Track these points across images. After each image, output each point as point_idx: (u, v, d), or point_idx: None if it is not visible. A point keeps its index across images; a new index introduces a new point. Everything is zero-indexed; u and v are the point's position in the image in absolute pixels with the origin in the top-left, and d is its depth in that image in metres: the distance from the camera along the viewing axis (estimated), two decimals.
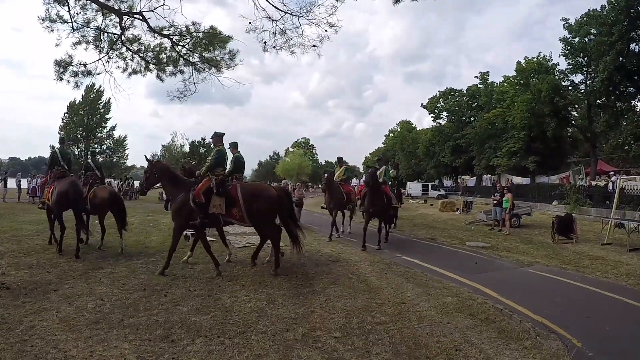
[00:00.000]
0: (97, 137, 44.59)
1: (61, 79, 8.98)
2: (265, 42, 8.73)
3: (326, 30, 8.87)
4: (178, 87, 9.55)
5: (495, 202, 15.16)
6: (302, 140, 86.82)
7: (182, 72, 9.29)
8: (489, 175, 42.27)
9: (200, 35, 8.80)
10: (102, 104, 45.41)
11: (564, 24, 27.12)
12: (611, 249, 10.80)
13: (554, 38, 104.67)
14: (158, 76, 9.39)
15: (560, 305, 5.82)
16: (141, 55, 9.01)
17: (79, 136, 43.70)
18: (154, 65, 9.14)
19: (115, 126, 46.38)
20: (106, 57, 8.81)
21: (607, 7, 23.53)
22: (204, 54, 8.92)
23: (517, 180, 33.44)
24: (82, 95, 44.51)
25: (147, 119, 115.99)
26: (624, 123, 25.00)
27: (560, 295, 6.41)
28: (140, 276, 6.39)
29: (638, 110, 25.93)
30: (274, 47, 8.76)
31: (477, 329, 4.57)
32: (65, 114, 44.72)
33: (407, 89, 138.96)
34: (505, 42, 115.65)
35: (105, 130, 45.78)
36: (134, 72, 9.31)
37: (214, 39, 8.59)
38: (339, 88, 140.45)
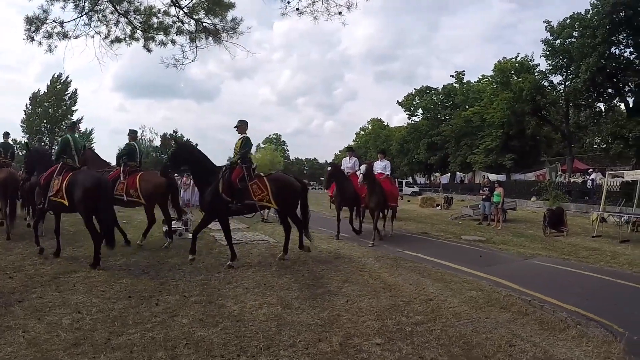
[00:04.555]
0: (62, 130, 42.13)
1: (32, 39, 7.56)
2: (288, 2, 7.72)
3: None
4: (174, 53, 8.47)
5: (483, 197, 15.00)
6: (274, 136, 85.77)
7: (173, 42, 8.14)
8: (461, 174, 43.06)
9: None
10: (69, 95, 43.27)
11: (546, 26, 27.68)
12: (603, 241, 10.88)
13: (524, 42, 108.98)
14: (145, 46, 8.16)
15: (583, 294, 5.71)
16: (129, 17, 7.78)
17: (43, 129, 41.25)
18: (141, 32, 7.92)
19: (81, 119, 44.34)
20: (86, 18, 7.63)
21: (592, 11, 24.18)
22: (202, 21, 7.84)
23: (492, 177, 33.94)
24: (47, 86, 42.43)
25: (114, 114, 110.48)
26: (604, 122, 25.79)
27: (577, 284, 6.36)
28: (121, 280, 5.45)
29: (617, 110, 26.83)
30: (297, 9, 7.70)
31: (518, 322, 4.32)
32: (28, 105, 42.31)
33: (377, 88, 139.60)
34: (476, 45, 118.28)
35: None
36: (117, 40, 8.01)
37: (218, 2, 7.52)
38: (309, 86, 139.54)
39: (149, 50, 8.23)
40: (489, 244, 10.24)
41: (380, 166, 11.10)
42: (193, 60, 8.36)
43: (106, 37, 7.94)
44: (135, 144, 8.62)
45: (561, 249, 9.50)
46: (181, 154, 6.98)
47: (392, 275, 6.25)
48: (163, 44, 8.11)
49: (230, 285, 5.44)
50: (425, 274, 6.44)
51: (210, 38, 7.97)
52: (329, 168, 10.39)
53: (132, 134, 8.73)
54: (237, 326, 3.90)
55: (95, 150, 11.08)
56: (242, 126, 7.16)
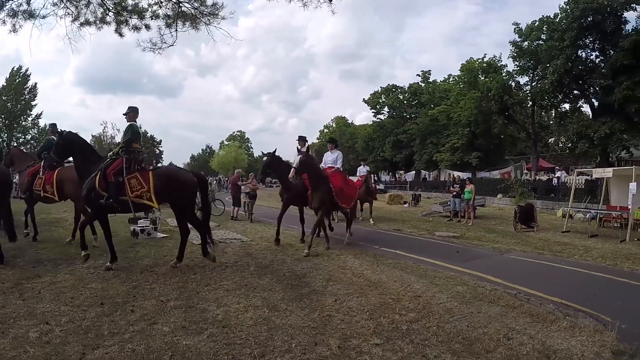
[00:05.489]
0: (20, 126, 40.45)
1: None
2: None
3: None
4: (151, 37, 7.86)
5: (454, 193, 15.22)
6: (238, 133, 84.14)
7: (147, 27, 7.49)
8: (426, 172, 43.91)
9: None
10: (28, 89, 41.18)
11: (514, 29, 28.42)
12: (572, 236, 11.17)
13: (487, 44, 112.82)
14: (117, 30, 7.51)
15: (564, 286, 5.83)
16: None
17: (1, 124, 39.04)
18: (113, 15, 7.27)
19: (41, 114, 42.59)
20: None
21: (561, 15, 25.06)
22: (182, 3, 7.24)
23: (457, 175, 34.84)
24: (6, 79, 40.34)
25: (74, 109, 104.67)
26: (569, 123, 26.85)
27: (557, 277, 6.49)
28: (90, 285, 5.04)
29: (581, 111, 28.00)
30: None
31: (510, 316, 4.34)
32: None
33: (341, 86, 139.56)
34: (440, 46, 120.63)
35: (30, 119, 41.42)
36: (87, 22, 7.31)
37: None
38: (274, 83, 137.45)
39: (121, 35, 7.64)
40: (463, 239, 10.33)
41: (331, 158, 9.17)
42: (172, 45, 7.85)
43: (75, 19, 7.29)
44: (55, 139, 8.18)
45: (534, 244, 9.70)
46: (65, 145, 6.31)
47: (375, 273, 6.15)
48: (136, 28, 7.53)
49: (209, 287, 5.16)
50: (407, 270, 6.40)
51: (188, 23, 7.50)
52: (264, 158, 8.59)
53: (52, 127, 8.37)
54: (225, 332, 3.63)
55: (21, 148, 10.67)
56: (131, 114, 6.50)
